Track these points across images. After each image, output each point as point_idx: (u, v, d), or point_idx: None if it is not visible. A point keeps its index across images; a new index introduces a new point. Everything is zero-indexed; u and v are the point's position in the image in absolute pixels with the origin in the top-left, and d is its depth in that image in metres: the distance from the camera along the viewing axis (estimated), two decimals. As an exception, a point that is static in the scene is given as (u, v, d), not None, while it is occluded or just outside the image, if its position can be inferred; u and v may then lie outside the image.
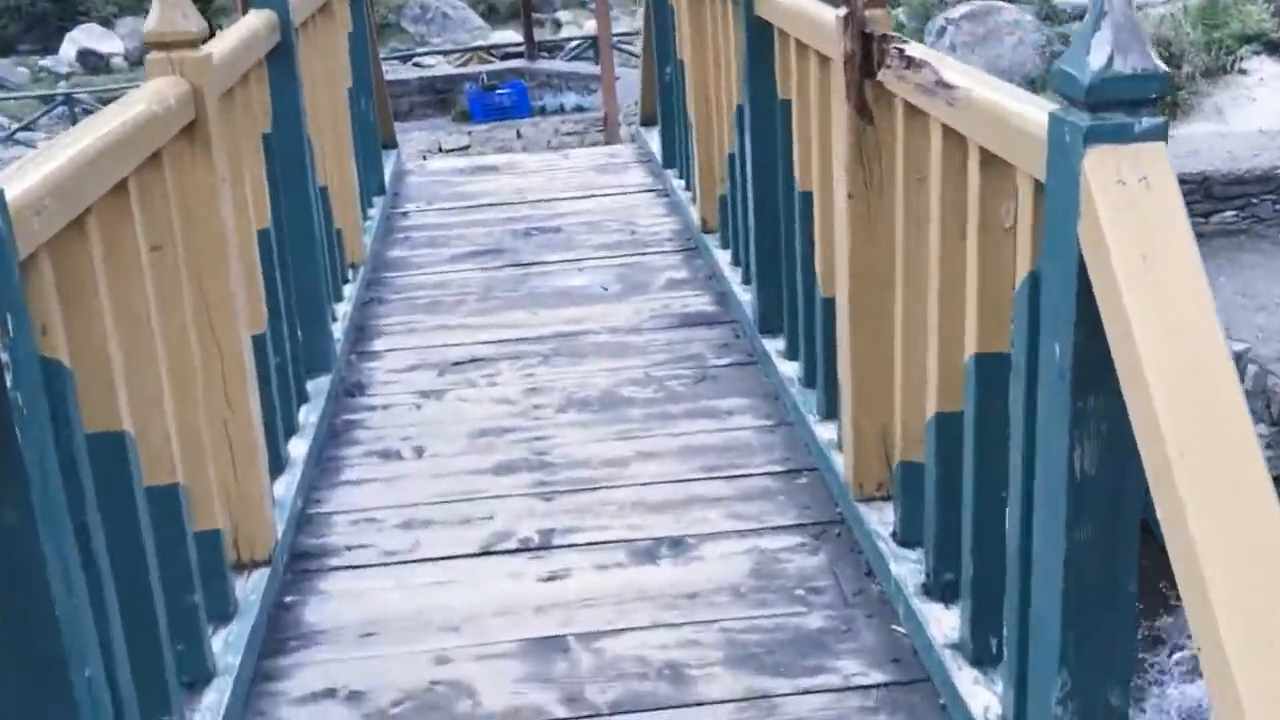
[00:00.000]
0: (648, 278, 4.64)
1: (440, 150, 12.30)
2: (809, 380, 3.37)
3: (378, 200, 5.54)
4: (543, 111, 12.69)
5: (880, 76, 2.50)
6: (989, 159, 1.97)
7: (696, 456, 3.26)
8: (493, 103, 12.36)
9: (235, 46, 2.83)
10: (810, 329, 3.29)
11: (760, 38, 3.54)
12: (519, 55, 18.83)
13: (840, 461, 2.96)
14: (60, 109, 17.64)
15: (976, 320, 2.07)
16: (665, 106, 5.71)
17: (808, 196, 3.21)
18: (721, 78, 4.30)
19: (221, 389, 2.51)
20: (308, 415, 3.40)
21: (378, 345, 4.14)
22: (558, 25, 34.36)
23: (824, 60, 2.92)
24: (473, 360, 3.96)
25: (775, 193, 3.58)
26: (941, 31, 9.61)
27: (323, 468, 3.28)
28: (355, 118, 5.11)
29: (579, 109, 12.74)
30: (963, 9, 9.69)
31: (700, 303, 4.37)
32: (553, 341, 4.08)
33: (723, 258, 4.53)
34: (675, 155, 5.65)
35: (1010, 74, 9.27)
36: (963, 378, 2.19)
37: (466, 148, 12.42)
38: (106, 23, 34.77)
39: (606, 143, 12.58)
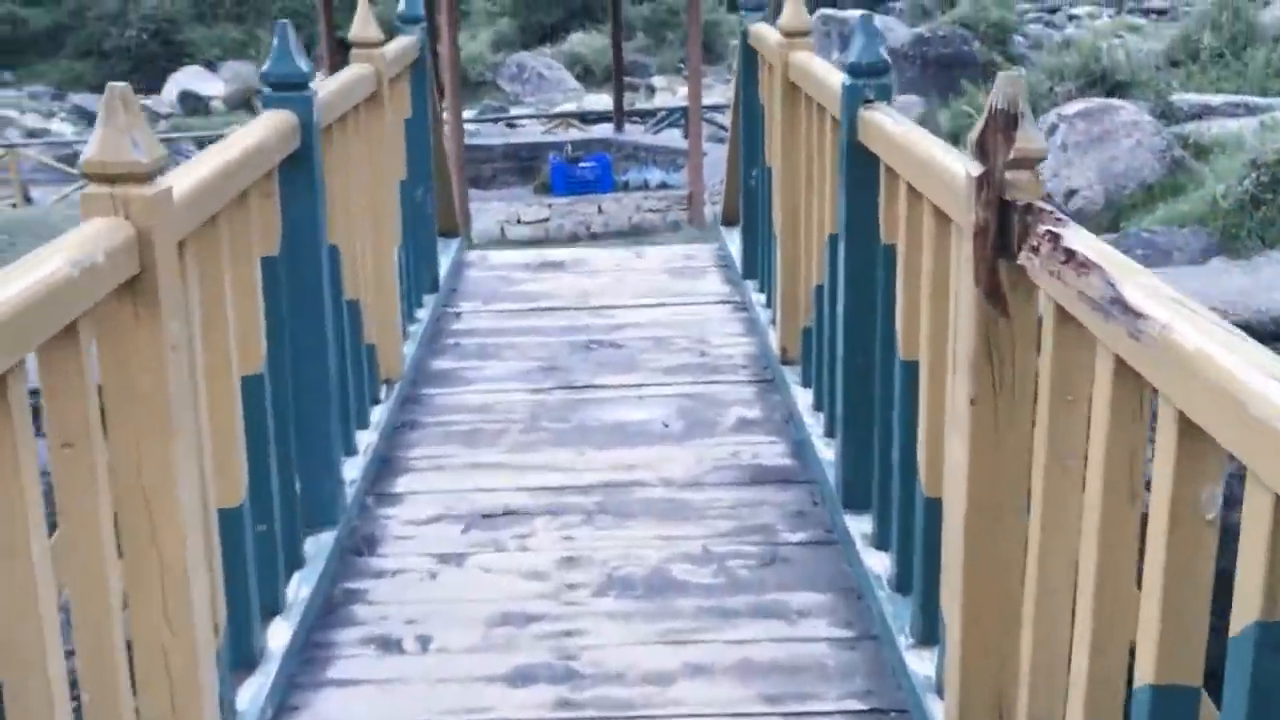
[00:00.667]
0: (715, 414, 4.06)
1: (519, 221, 11.89)
2: (902, 584, 2.76)
3: (429, 299, 5.04)
4: (626, 187, 12.23)
5: (1022, 260, 1.92)
6: (1190, 428, 1.37)
7: (758, 678, 2.65)
8: (575, 176, 11.92)
9: (217, 170, 2.31)
10: (907, 524, 2.68)
11: (862, 168, 2.97)
12: (607, 120, 18.50)
13: (939, 714, 2.34)
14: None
15: (1156, 640, 1.46)
16: (749, 212, 5.15)
17: (912, 368, 2.62)
18: (814, 197, 3.73)
19: (160, 606, 1.97)
20: (299, 588, 2.85)
21: (400, 485, 3.60)
22: (651, 91, 34.19)
23: (943, 217, 2.35)
24: (505, 513, 3.40)
25: (871, 348, 2.99)
26: (1053, 129, 8.97)
27: (308, 657, 2.73)
28: (408, 211, 4.63)
29: (664, 185, 12.26)
30: (1077, 106, 9.05)
31: (774, 453, 3.77)
32: (599, 493, 3.51)
33: (802, 398, 3.94)
34: (757, 266, 5.09)
35: (1126, 178, 8.61)
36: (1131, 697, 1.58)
37: (546, 220, 11.99)
38: (210, 66, 35.29)
39: (690, 222, 12.09)
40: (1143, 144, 8.62)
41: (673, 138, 15.71)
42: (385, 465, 3.71)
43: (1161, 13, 39.37)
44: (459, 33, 36.20)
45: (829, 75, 3.41)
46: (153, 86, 34.54)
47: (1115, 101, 9.23)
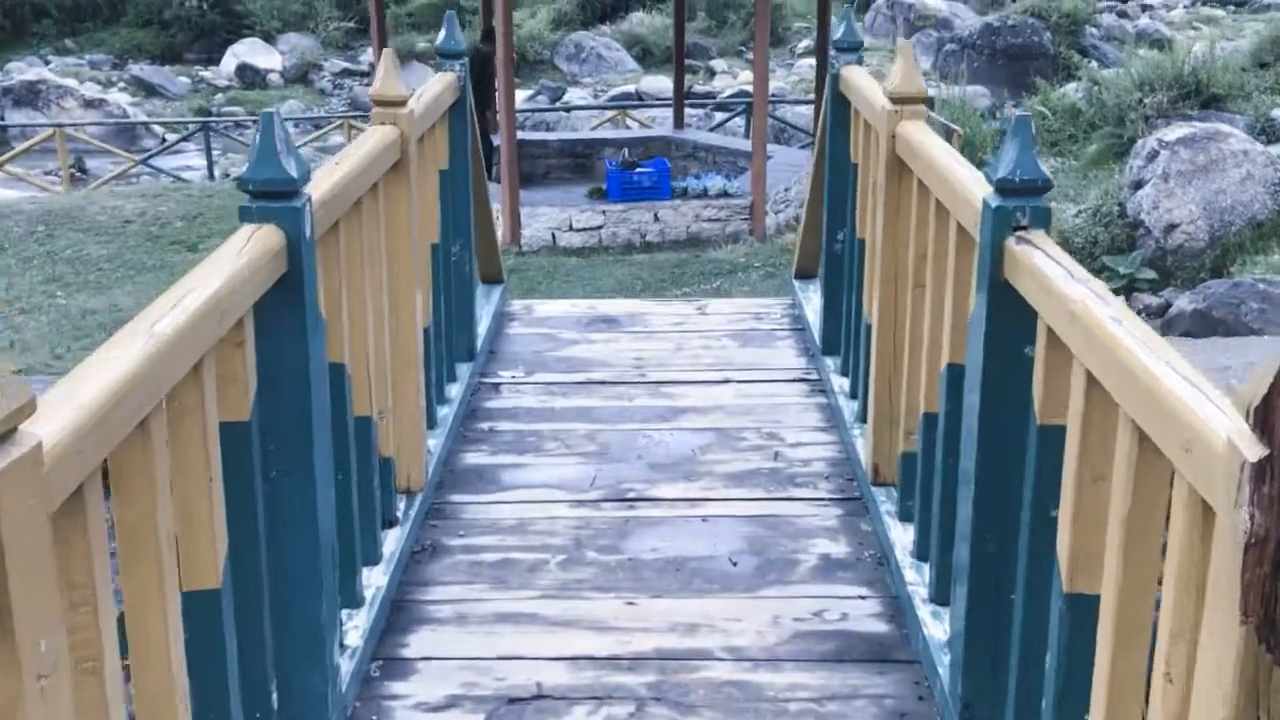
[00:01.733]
0: (792, 548, 3.38)
1: (572, 228, 11.21)
2: None
3: (465, 369, 4.39)
4: (684, 194, 11.50)
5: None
6: None
7: None
8: (632, 182, 11.21)
9: (160, 349, 1.66)
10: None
11: (1010, 312, 2.28)
12: (666, 104, 17.71)
13: None
14: (199, 134, 16.96)
15: None
16: (832, 278, 4.45)
17: (1083, 602, 1.94)
18: (926, 309, 3.04)
19: None
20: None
21: (413, 647, 2.95)
22: (711, 74, 33.32)
23: (1147, 442, 1.66)
24: (536, 696, 2.75)
25: (1010, 553, 2.31)
26: (1153, 156, 8.16)
27: None
28: (441, 275, 3.98)
29: (724, 194, 11.52)
30: (1180, 131, 8.23)
31: (864, 613, 3.09)
32: (653, 670, 2.84)
33: (899, 536, 3.26)
34: (839, 342, 4.39)
35: (1233, 214, 7.80)
36: None
37: (600, 227, 11.30)
38: (269, 38, 34.80)
39: (751, 233, 11.37)
40: (1253, 176, 7.80)
41: (733, 137, 14.96)
42: (398, 613, 3.06)
43: (1240, 4, 37.92)
44: (516, 9, 35.41)
45: (958, 171, 2.71)
46: (213, 58, 34.17)
47: (1223, 128, 8.40)
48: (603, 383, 4.51)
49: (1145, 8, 36.88)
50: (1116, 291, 7.97)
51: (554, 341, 4.92)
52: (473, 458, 3.91)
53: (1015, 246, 2.24)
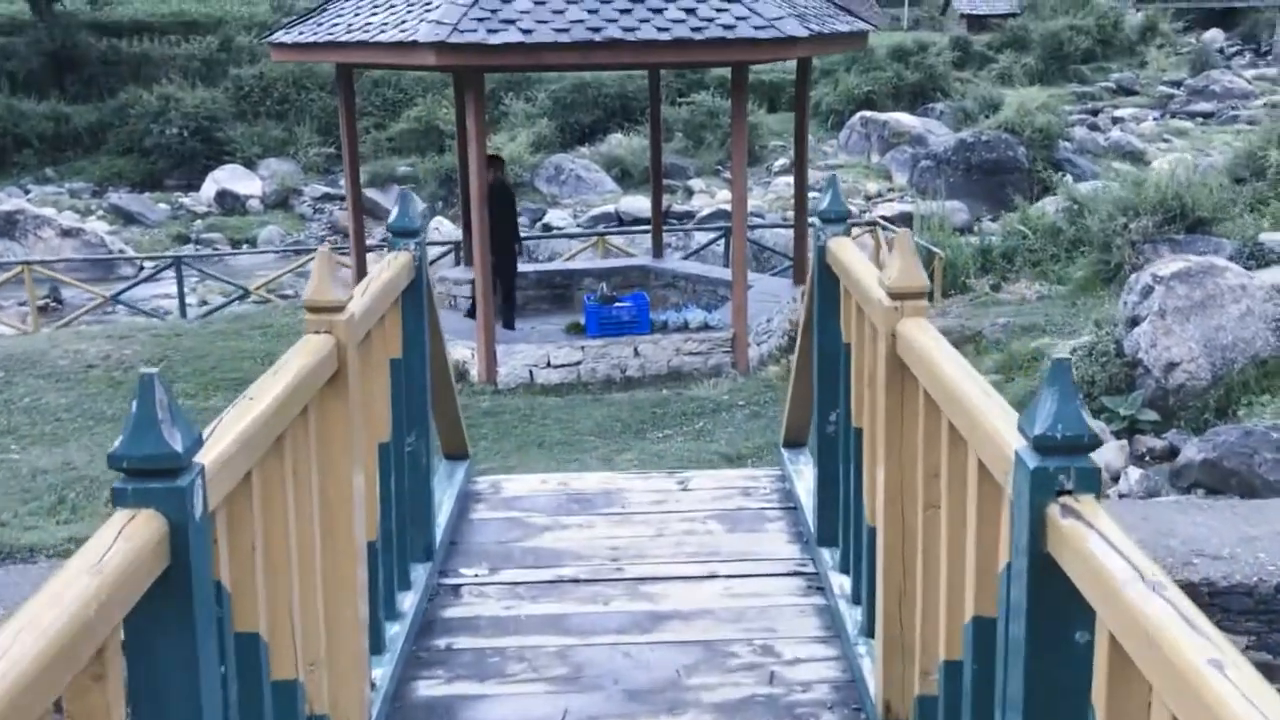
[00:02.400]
0: (794, 805, 2.91)
1: (549, 365, 10.83)
2: None
3: (421, 572, 3.93)
4: (664, 327, 11.16)
5: None
6: None
7: None
8: (611, 317, 10.87)
9: None
10: None
11: (1059, 604, 1.86)
12: (644, 230, 17.50)
13: None
14: (169, 270, 16.64)
15: None
16: (826, 462, 4.04)
17: None
18: (942, 543, 2.61)
19: None
20: None
21: None
22: (689, 193, 33.37)
23: None
24: None
25: None
26: (1148, 292, 7.84)
27: None
28: (393, 473, 3.56)
29: (705, 326, 11.18)
30: (1174, 265, 7.93)
31: None
32: None
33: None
34: (835, 532, 3.96)
35: (1234, 351, 7.45)
36: None
37: (578, 364, 10.92)
38: (250, 164, 34.81)
39: (734, 366, 11.01)
40: (1253, 311, 7.48)
41: (712, 266, 14.69)
42: None
43: (1208, 116, 38.37)
44: (494, 133, 35.44)
45: (977, 400, 2.30)
46: (193, 184, 34.12)
47: (1219, 261, 8.10)
48: (575, 581, 4.06)
49: (1116, 120, 37.27)
50: (1118, 434, 7.60)
51: (522, 529, 4.48)
52: (426, 688, 3.43)
53: (1061, 520, 1.83)
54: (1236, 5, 63.21)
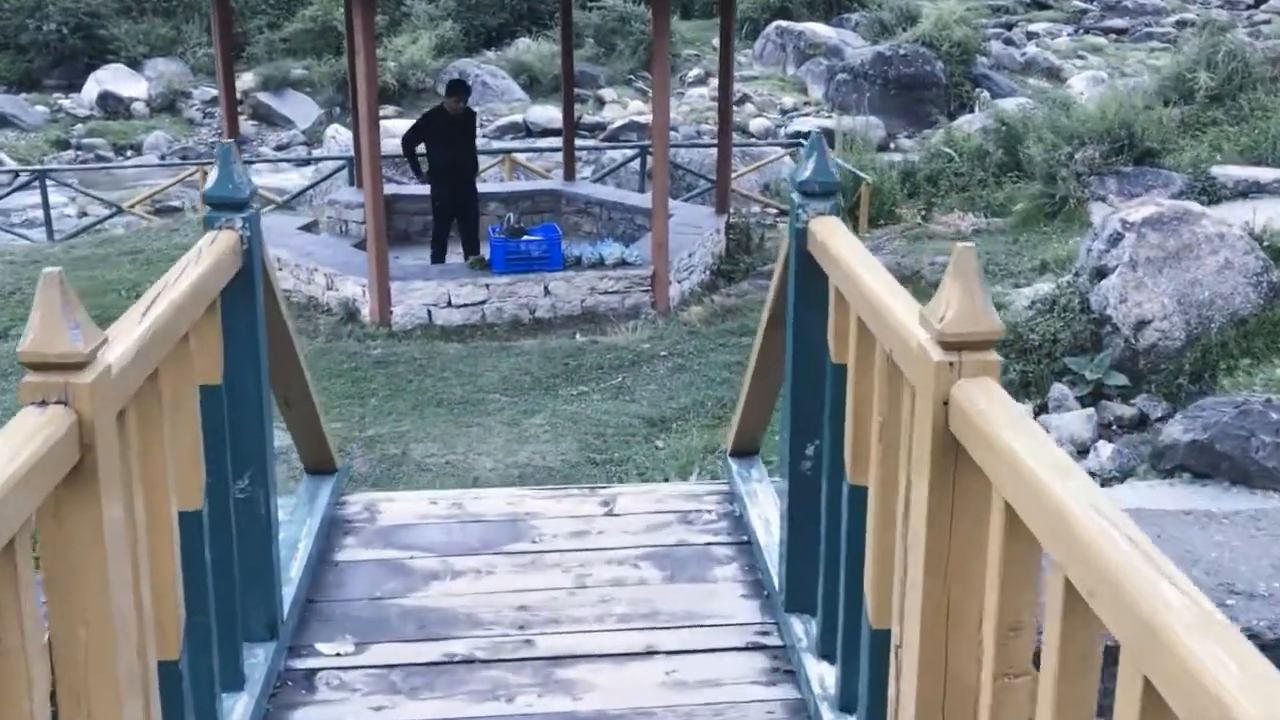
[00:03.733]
0: None
1: (450, 304, 9.70)
2: None
3: (260, 657, 2.90)
4: (578, 263, 10.07)
5: None
6: None
7: None
8: (519, 252, 9.74)
9: None
10: None
11: None
12: (556, 135, 16.30)
13: None
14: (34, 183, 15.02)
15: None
16: (797, 509, 3.06)
17: None
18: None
19: None
20: None
21: None
22: (601, 103, 31.95)
23: None
24: None
25: None
26: (1116, 240, 6.97)
27: None
28: (209, 545, 2.52)
29: (622, 263, 10.12)
30: (1145, 211, 7.05)
31: None
32: None
33: None
34: (811, 601, 3.01)
35: (1212, 309, 6.64)
36: None
37: (483, 303, 9.81)
38: (135, 64, 32.51)
39: (653, 306, 9.99)
40: (1232, 264, 6.66)
41: (629, 192, 13.58)
42: None
43: (1122, 32, 37.81)
44: (396, 35, 33.58)
45: (1122, 556, 1.34)
46: (74, 85, 31.75)
47: (1193, 207, 7.25)
48: (470, 661, 3.05)
49: (1031, 35, 36.50)
50: (1083, 400, 6.78)
51: (403, 577, 3.45)
52: None
53: None
54: (1148, -80, 62.77)
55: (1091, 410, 6.53)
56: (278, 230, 11.20)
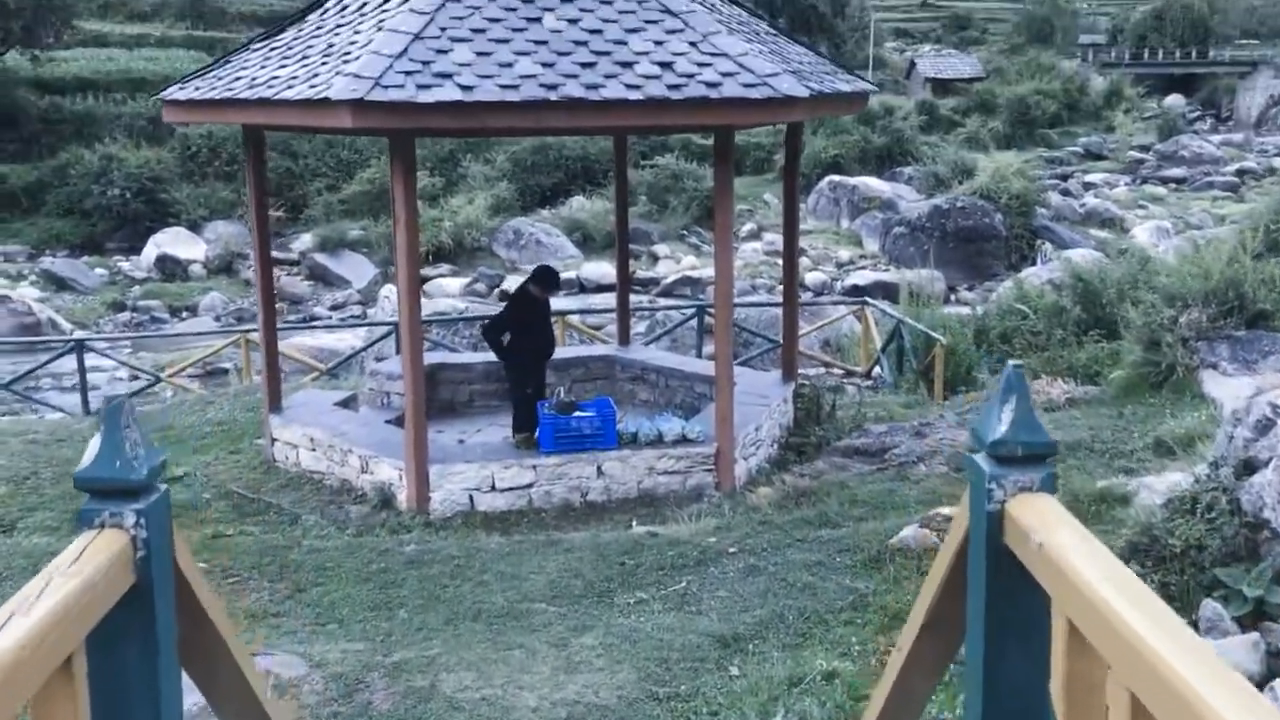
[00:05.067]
0: None
1: (494, 488, 8.72)
2: None
3: None
4: (634, 440, 9.09)
5: None
6: None
7: None
8: (570, 430, 8.81)
9: None
10: None
11: None
12: (608, 308, 15.57)
13: None
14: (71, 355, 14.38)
15: None
16: None
17: None
18: None
19: None
20: None
21: None
22: (654, 259, 31.45)
23: None
24: None
25: None
26: (1265, 426, 5.85)
27: None
28: None
29: (683, 439, 9.12)
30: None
31: None
32: None
33: None
34: None
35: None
36: None
37: (529, 486, 8.81)
38: (195, 227, 32.59)
39: (717, 488, 8.94)
40: None
41: (690, 360, 12.67)
42: None
43: (1181, 181, 36.96)
44: (452, 196, 33.50)
45: None
46: (135, 247, 31.81)
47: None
48: None
49: (1088, 186, 35.80)
50: (1242, 622, 5.62)
51: None
52: None
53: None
54: (1196, 71, 62.55)
55: (1255, 636, 5.37)
56: (313, 406, 10.36)
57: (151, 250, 31.43)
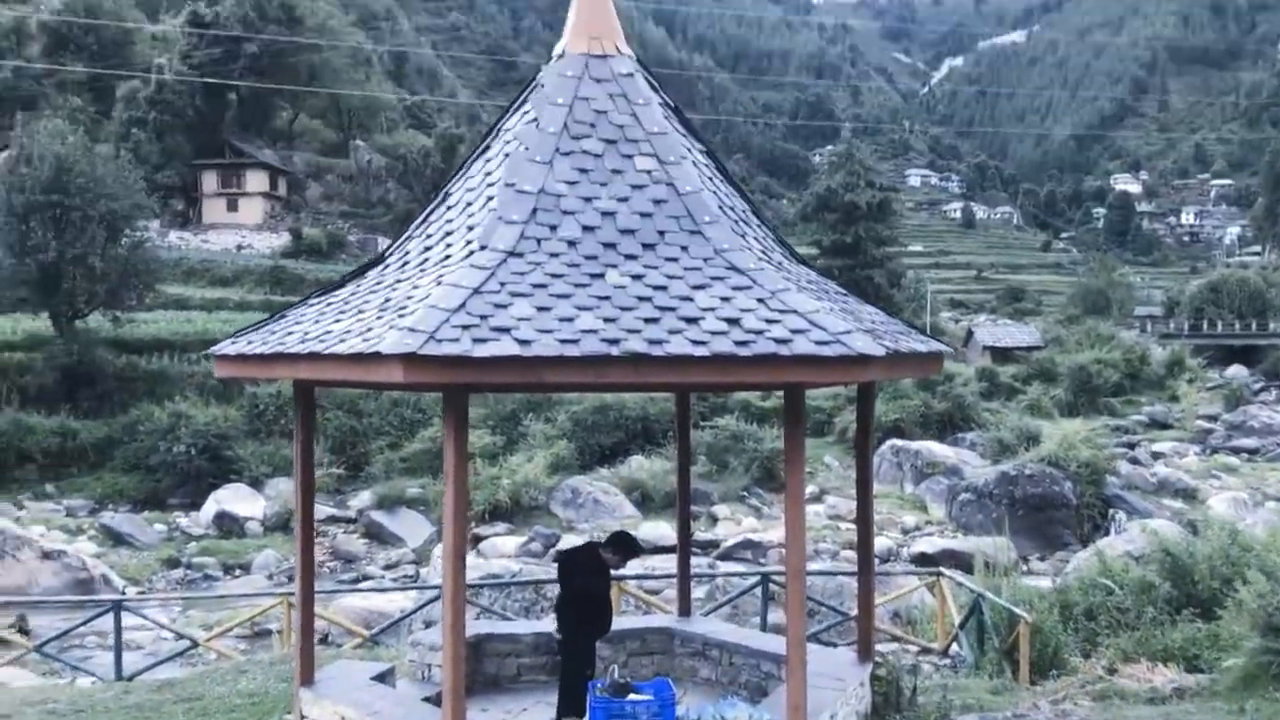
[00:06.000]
0: None
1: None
2: None
3: None
4: (696, 728, 8.16)
5: None
6: None
7: None
8: (623, 714, 7.93)
9: None
10: None
11: None
12: (668, 573, 14.79)
13: None
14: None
15: None
16: None
17: None
18: None
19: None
20: None
21: None
22: (713, 520, 30.66)
23: None
24: None
25: None
26: None
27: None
28: None
29: (750, 726, 8.17)
30: None
31: None
32: None
33: None
34: None
35: None
36: None
37: (579, 782, 7.87)
38: (256, 483, 32.45)
39: (788, 785, 7.92)
40: None
41: (752, 635, 11.75)
42: None
43: (1254, 451, 35.93)
44: (512, 454, 33.13)
45: None
46: (195, 503, 31.65)
47: None
48: None
49: (1157, 455, 34.85)
50: None
51: None
52: None
53: None
54: (1258, 343, 62.30)
55: None
56: (348, 680, 9.55)
57: (211, 506, 31.22)
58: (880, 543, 26.79)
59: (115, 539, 28.77)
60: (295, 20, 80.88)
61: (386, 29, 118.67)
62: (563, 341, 7.23)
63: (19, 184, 35.09)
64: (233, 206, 77.15)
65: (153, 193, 52.75)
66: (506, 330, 7.28)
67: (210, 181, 78.20)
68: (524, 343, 7.20)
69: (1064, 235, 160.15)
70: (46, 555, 24.68)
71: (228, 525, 30.16)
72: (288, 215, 78.25)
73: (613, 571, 9.25)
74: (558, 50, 9.16)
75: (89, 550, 26.65)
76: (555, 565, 9.58)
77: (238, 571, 26.81)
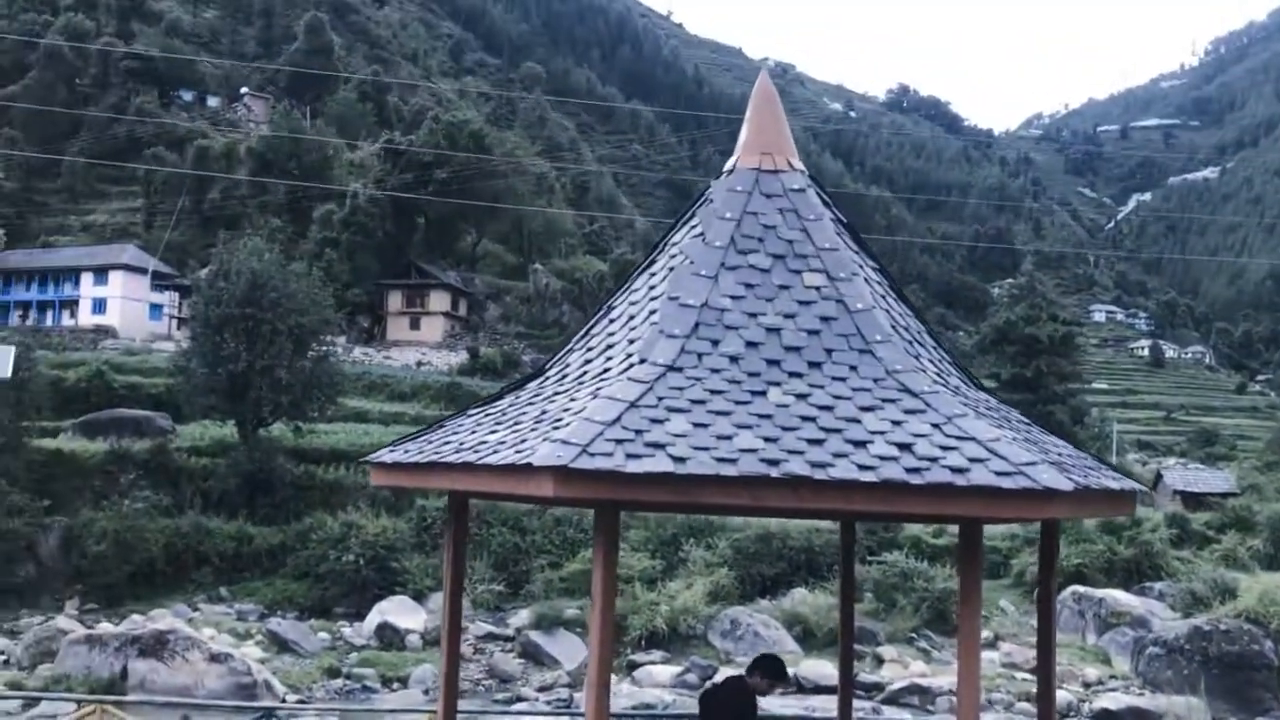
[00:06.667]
0: None
1: None
2: None
3: None
4: None
5: None
6: None
7: None
8: None
9: None
10: None
11: None
12: (829, 718, 13.91)
13: None
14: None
15: None
16: None
17: None
18: None
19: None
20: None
21: None
22: (879, 661, 29.31)
23: None
24: None
25: None
26: None
27: None
28: None
29: None
30: None
31: None
32: None
33: None
34: None
35: None
36: None
37: None
38: (420, 596, 32.66)
39: None
40: None
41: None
42: None
43: None
44: (670, 580, 32.43)
45: None
46: (360, 613, 32.02)
47: None
48: None
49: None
50: None
51: None
52: None
53: None
54: None
55: None
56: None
57: (375, 617, 31.44)
58: (1060, 696, 25.06)
59: (280, 645, 29.17)
60: (484, 149, 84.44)
61: (570, 159, 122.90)
62: (719, 460, 6.85)
63: (216, 297, 36.95)
64: (415, 325, 79.99)
65: (340, 309, 55.11)
66: (661, 446, 6.95)
67: (395, 300, 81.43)
68: (679, 460, 6.85)
69: (1260, 377, 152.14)
70: (214, 658, 25.14)
71: (389, 637, 30.28)
72: (467, 334, 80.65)
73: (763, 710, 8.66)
74: (729, 165, 8.98)
75: (255, 655, 27.07)
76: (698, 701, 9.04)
77: (395, 685, 26.78)
